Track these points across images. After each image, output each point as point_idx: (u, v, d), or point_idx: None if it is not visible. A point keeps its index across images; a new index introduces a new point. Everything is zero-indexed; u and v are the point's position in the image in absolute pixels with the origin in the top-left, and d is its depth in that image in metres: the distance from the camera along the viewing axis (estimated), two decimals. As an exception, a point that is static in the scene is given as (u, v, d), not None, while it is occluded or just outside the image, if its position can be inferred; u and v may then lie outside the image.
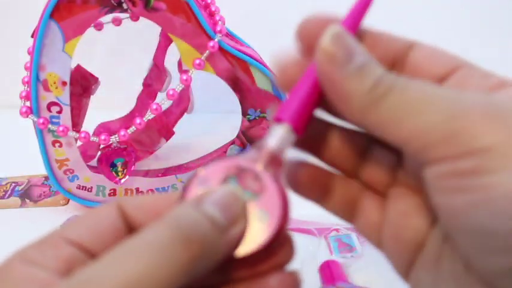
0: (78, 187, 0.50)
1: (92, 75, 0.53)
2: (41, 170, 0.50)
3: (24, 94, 0.46)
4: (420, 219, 0.22)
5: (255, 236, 0.20)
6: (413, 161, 0.22)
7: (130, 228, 0.21)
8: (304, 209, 0.49)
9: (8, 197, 0.54)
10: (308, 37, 0.22)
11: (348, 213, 0.24)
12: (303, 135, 0.22)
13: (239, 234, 0.20)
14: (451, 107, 0.18)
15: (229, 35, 0.50)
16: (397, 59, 0.22)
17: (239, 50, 0.47)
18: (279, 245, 0.21)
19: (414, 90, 0.19)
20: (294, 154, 0.23)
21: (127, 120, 0.58)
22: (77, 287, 0.17)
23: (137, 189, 0.52)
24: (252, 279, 0.21)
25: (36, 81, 0.44)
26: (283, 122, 0.21)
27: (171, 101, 0.48)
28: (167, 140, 0.59)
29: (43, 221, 0.51)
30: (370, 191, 0.24)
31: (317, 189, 0.24)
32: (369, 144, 0.23)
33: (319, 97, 0.21)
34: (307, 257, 0.42)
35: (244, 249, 0.20)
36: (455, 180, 0.18)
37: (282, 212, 0.21)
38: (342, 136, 0.23)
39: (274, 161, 0.21)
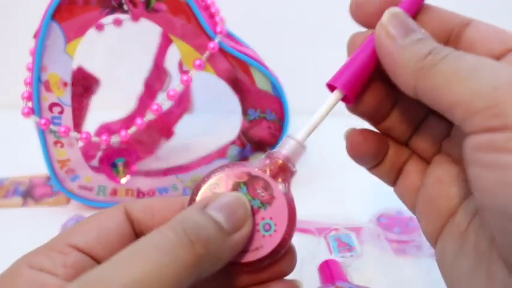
0: (80, 187, 0.51)
1: (93, 76, 0.53)
2: (43, 170, 0.50)
3: (26, 95, 0.46)
4: (454, 189, 0.23)
5: (260, 245, 0.21)
6: (459, 131, 0.23)
7: (136, 232, 0.21)
8: (304, 209, 0.49)
9: (11, 197, 0.54)
10: (365, 16, 0.24)
11: (393, 176, 0.26)
12: (360, 103, 0.24)
13: (243, 239, 0.20)
14: (497, 78, 0.18)
15: (230, 35, 0.50)
16: (454, 34, 0.23)
17: (239, 51, 0.47)
18: (282, 254, 0.21)
19: (465, 60, 0.19)
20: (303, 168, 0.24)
21: (128, 121, 0.58)
22: (86, 286, 0.17)
23: (138, 189, 0.52)
24: (255, 287, 0.22)
25: (38, 82, 0.45)
26: (336, 89, 0.23)
27: (172, 102, 0.48)
28: (167, 140, 0.59)
29: (45, 220, 0.51)
30: (417, 157, 0.25)
31: (373, 154, 0.25)
32: (425, 115, 0.25)
33: (374, 68, 0.23)
34: (306, 257, 0.42)
35: (249, 257, 0.21)
36: (491, 154, 0.18)
37: (289, 224, 0.21)
38: (402, 106, 0.25)
39: (285, 170, 0.22)
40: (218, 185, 0.21)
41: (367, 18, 0.24)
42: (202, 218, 0.19)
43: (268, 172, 0.21)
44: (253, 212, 0.21)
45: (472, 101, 0.18)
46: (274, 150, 0.22)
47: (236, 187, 0.21)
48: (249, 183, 0.21)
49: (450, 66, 0.19)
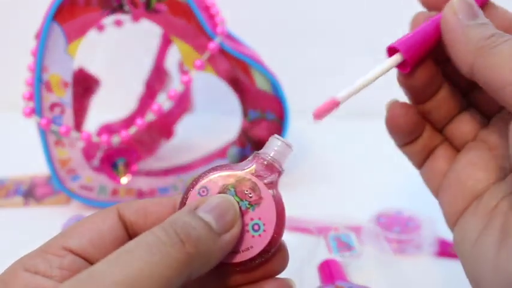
0: (81, 187, 0.51)
1: (94, 76, 0.54)
2: (44, 169, 0.50)
3: (27, 95, 0.46)
4: (485, 173, 0.24)
5: (250, 245, 0.21)
6: (501, 119, 0.24)
7: (129, 233, 0.22)
8: (304, 209, 0.50)
9: (12, 197, 0.54)
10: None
11: (422, 158, 0.27)
12: (413, 74, 0.25)
13: (232, 239, 0.21)
14: None
15: (230, 36, 0.50)
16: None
17: (239, 51, 0.48)
18: (273, 253, 0.22)
19: None
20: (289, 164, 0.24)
21: (128, 121, 0.58)
22: (79, 285, 0.17)
23: (138, 189, 0.52)
24: (248, 286, 0.22)
25: (39, 82, 0.45)
26: (397, 53, 0.23)
27: (172, 102, 0.48)
28: (168, 140, 0.59)
29: (46, 220, 0.51)
30: (448, 143, 0.27)
31: (409, 130, 0.26)
32: (465, 106, 0.26)
33: (434, 44, 0.24)
34: (306, 256, 0.42)
35: (240, 257, 0.21)
36: None
37: (278, 224, 0.21)
38: (446, 93, 0.26)
39: (272, 170, 0.22)
40: (207, 188, 0.21)
41: (434, 2, 0.25)
42: (192, 219, 0.20)
43: (255, 173, 0.22)
44: (242, 213, 0.21)
45: None
46: (260, 151, 0.22)
47: (224, 190, 0.21)
48: (236, 185, 0.21)
49: (510, 49, 0.21)
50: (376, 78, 0.24)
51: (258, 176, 0.21)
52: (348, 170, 0.56)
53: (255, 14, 0.69)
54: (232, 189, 0.21)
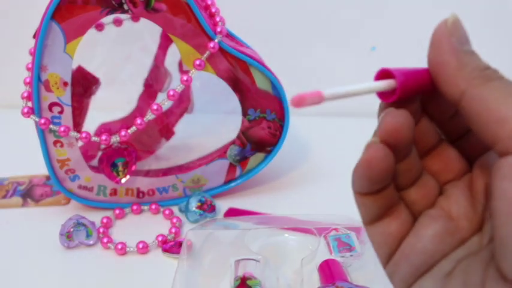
0: (80, 187, 0.51)
1: (93, 76, 0.53)
2: (43, 170, 0.50)
3: (25, 94, 0.46)
4: (446, 243, 0.24)
5: None
6: (456, 186, 0.24)
7: None
8: (304, 209, 0.49)
9: (10, 197, 0.54)
10: None
11: (377, 214, 0.25)
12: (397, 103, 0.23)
13: None
14: None
15: (230, 35, 0.50)
16: None
17: (239, 51, 0.47)
18: None
19: None
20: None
21: (128, 121, 0.58)
22: None
23: (138, 189, 0.52)
24: None
25: (37, 81, 0.45)
26: (391, 79, 0.23)
27: (172, 101, 0.48)
28: (167, 140, 0.59)
29: (44, 220, 0.51)
30: (404, 205, 0.25)
31: (384, 179, 0.24)
32: (421, 171, 0.25)
33: (424, 88, 0.23)
34: (306, 257, 0.42)
35: None
36: None
37: None
38: (423, 127, 0.25)
39: None
40: None
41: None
42: None
43: None
44: None
45: None
46: None
47: None
48: None
49: (508, 87, 0.21)
50: (363, 93, 0.23)
51: None
52: (349, 170, 0.56)
53: (255, 13, 0.69)
54: None
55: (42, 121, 0.46)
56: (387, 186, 0.25)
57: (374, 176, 0.24)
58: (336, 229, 0.44)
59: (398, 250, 0.25)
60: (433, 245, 0.24)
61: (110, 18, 0.50)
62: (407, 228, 0.25)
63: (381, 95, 0.24)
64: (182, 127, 0.60)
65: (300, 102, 0.21)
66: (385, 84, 0.23)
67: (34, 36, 0.45)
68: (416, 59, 0.28)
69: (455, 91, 0.22)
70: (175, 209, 0.53)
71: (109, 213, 0.51)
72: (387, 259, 0.26)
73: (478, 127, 0.21)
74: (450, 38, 0.22)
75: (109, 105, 0.58)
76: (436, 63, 0.23)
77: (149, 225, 0.51)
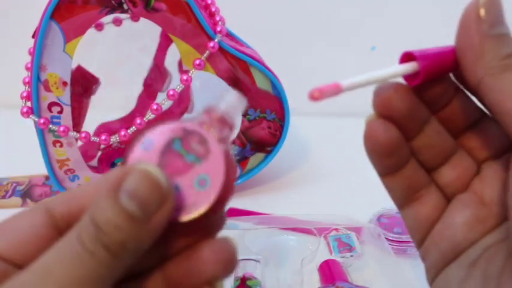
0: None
1: (93, 76, 0.53)
2: (42, 170, 0.50)
3: (25, 94, 0.46)
4: (477, 231, 0.23)
5: (195, 202, 0.19)
6: (492, 168, 0.24)
7: (59, 229, 0.20)
8: (304, 209, 0.49)
9: (9, 197, 0.54)
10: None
11: (403, 196, 0.25)
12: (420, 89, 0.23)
13: (164, 217, 0.19)
14: None
15: (230, 35, 0.50)
16: None
17: (239, 51, 0.47)
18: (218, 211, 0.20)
19: None
20: None
21: (127, 120, 0.58)
22: None
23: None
24: (185, 253, 0.20)
25: (37, 81, 0.45)
26: (414, 62, 0.22)
27: (172, 101, 0.48)
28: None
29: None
30: (435, 188, 0.25)
31: (390, 152, 0.23)
32: (455, 149, 0.25)
33: (449, 70, 0.22)
34: (307, 257, 0.42)
35: (184, 215, 0.19)
36: None
37: (226, 179, 0.20)
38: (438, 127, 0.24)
39: (224, 124, 0.21)
40: (152, 142, 0.20)
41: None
42: (114, 214, 0.18)
43: (204, 125, 0.20)
44: (187, 167, 0.20)
45: None
46: (211, 104, 0.21)
47: (169, 143, 0.20)
48: (183, 138, 0.20)
49: None
50: (385, 79, 0.22)
51: (207, 130, 0.20)
52: (349, 170, 0.56)
53: (255, 13, 0.69)
54: (179, 142, 0.20)
55: (42, 121, 0.46)
56: (405, 164, 0.24)
57: (379, 150, 0.23)
58: (336, 229, 0.44)
59: (429, 236, 0.24)
60: (462, 234, 0.23)
61: (109, 18, 0.50)
62: (439, 213, 0.24)
63: (407, 78, 0.23)
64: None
65: (318, 96, 0.20)
66: (406, 67, 0.22)
67: (33, 36, 0.45)
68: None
69: (473, 79, 0.21)
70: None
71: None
72: (419, 244, 0.25)
73: (494, 116, 0.21)
74: (478, 19, 0.21)
75: (109, 105, 0.58)
76: (460, 47, 0.22)
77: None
